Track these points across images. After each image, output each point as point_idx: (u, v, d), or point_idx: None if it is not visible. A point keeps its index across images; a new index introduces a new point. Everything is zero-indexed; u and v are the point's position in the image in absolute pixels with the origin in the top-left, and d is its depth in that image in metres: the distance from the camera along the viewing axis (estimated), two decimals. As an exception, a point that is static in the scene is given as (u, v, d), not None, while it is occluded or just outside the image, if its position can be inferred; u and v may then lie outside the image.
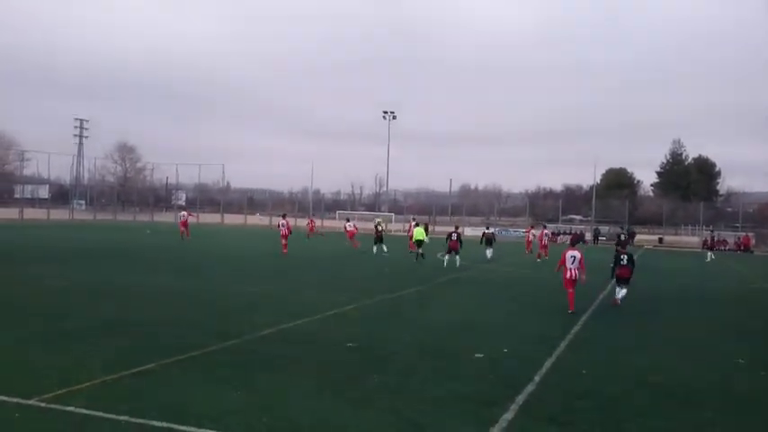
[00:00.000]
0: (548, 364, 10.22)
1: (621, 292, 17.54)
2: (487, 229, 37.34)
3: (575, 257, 16.11)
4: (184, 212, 42.95)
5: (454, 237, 27.31)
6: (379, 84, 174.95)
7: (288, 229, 31.73)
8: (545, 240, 34.94)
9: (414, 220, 38.40)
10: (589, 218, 77.63)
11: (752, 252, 54.81)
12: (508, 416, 7.47)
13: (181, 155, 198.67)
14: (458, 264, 26.76)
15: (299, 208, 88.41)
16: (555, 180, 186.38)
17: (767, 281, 28.32)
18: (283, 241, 31.11)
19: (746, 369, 10.69)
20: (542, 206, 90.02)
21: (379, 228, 33.21)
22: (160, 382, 8.25)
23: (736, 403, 8.67)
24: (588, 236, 62.01)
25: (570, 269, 16.03)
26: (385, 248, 32.06)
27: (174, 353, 9.75)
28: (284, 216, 34.07)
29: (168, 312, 13.54)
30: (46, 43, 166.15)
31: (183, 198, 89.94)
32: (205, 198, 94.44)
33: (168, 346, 10.20)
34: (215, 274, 21.39)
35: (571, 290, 16.03)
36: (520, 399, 8.18)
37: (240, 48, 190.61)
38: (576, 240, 55.79)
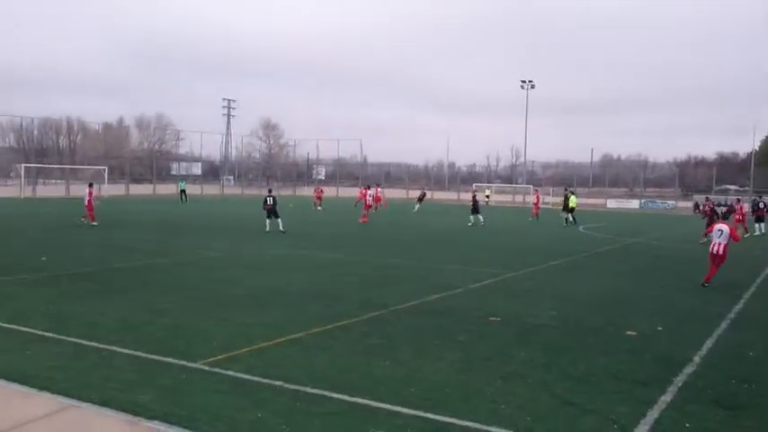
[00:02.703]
0: (708, 344, 9.57)
1: None
2: (566, 190, 37.49)
3: (722, 231, 15.17)
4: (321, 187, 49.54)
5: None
6: (516, 53, 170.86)
7: (375, 200, 35.15)
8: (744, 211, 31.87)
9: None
10: (746, 188, 71.95)
11: None
12: (666, 397, 7.04)
13: (320, 130, 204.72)
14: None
15: (435, 181, 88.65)
16: (707, 148, 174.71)
17: None
18: (364, 211, 33.86)
19: None
20: (693, 176, 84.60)
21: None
22: (311, 351, 8.53)
23: None
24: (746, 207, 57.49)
25: (716, 243, 15.08)
26: (481, 219, 32.83)
27: (323, 322, 10.06)
28: (368, 187, 37.06)
29: (314, 283, 14.02)
30: (197, 27, 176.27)
31: (323, 173, 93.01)
32: (344, 172, 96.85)
33: (316, 316, 10.55)
34: (354, 246, 21.90)
35: (712, 264, 15.12)
36: (679, 380, 7.70)
37: (376, 23, 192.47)
38: (728, 213, 51.95)
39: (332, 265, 17.09)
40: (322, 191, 49.02)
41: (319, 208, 44.55)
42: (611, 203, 66.02)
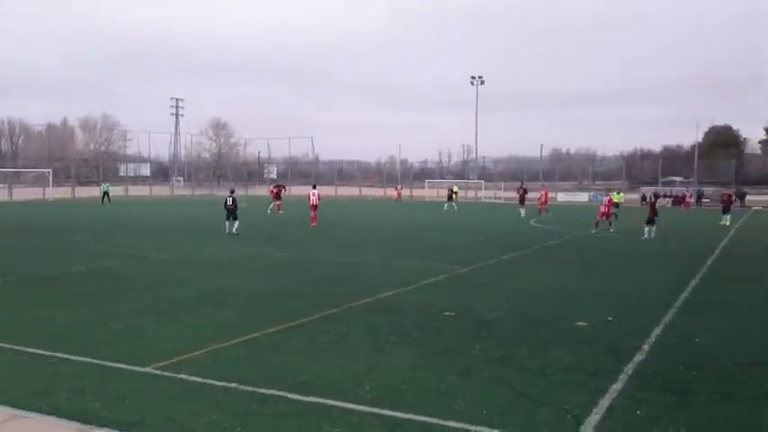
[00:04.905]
0: (656, 332, 9.80)
1: None
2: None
3: None
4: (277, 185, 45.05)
5: None
6: (464, 50, 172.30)
7: (318, 198, 30.33)
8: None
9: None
10: (690, 179, 74.14)
11: None
12: (617, 386, 7.18)
13: (271, 129, 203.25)
14: None
15: (388, 178, 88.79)
16: (653, 141, 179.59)
17: None
18: (312, 213, 30.03)
19: None
20: (640, 168, 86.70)
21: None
22: (266, 351, 8.44)
23: None
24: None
25: None
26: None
27: (276, 322, 9.97)
28: (314, 186, 31.68)
29: (267, 282, 13.88)
30: (144, 28, 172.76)
31: (275, 171, 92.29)
32: (295, 171, 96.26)
33: (270, 316, 10.46)
34: (307, 245, 21.76)
35: None
36: (629, 368, 7.87)
37: (323, 20, 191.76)
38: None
39: (285, 264, 16.95)
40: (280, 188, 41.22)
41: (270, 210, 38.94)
42: (561, 197, 67.18)
